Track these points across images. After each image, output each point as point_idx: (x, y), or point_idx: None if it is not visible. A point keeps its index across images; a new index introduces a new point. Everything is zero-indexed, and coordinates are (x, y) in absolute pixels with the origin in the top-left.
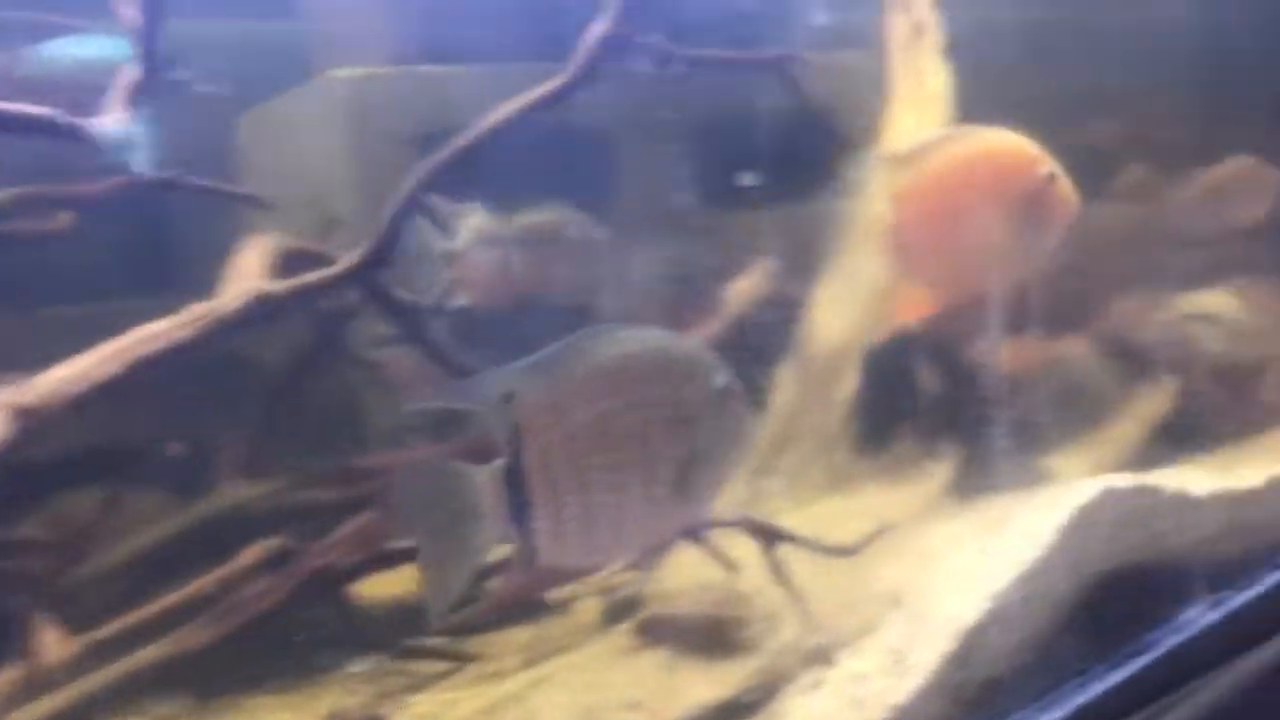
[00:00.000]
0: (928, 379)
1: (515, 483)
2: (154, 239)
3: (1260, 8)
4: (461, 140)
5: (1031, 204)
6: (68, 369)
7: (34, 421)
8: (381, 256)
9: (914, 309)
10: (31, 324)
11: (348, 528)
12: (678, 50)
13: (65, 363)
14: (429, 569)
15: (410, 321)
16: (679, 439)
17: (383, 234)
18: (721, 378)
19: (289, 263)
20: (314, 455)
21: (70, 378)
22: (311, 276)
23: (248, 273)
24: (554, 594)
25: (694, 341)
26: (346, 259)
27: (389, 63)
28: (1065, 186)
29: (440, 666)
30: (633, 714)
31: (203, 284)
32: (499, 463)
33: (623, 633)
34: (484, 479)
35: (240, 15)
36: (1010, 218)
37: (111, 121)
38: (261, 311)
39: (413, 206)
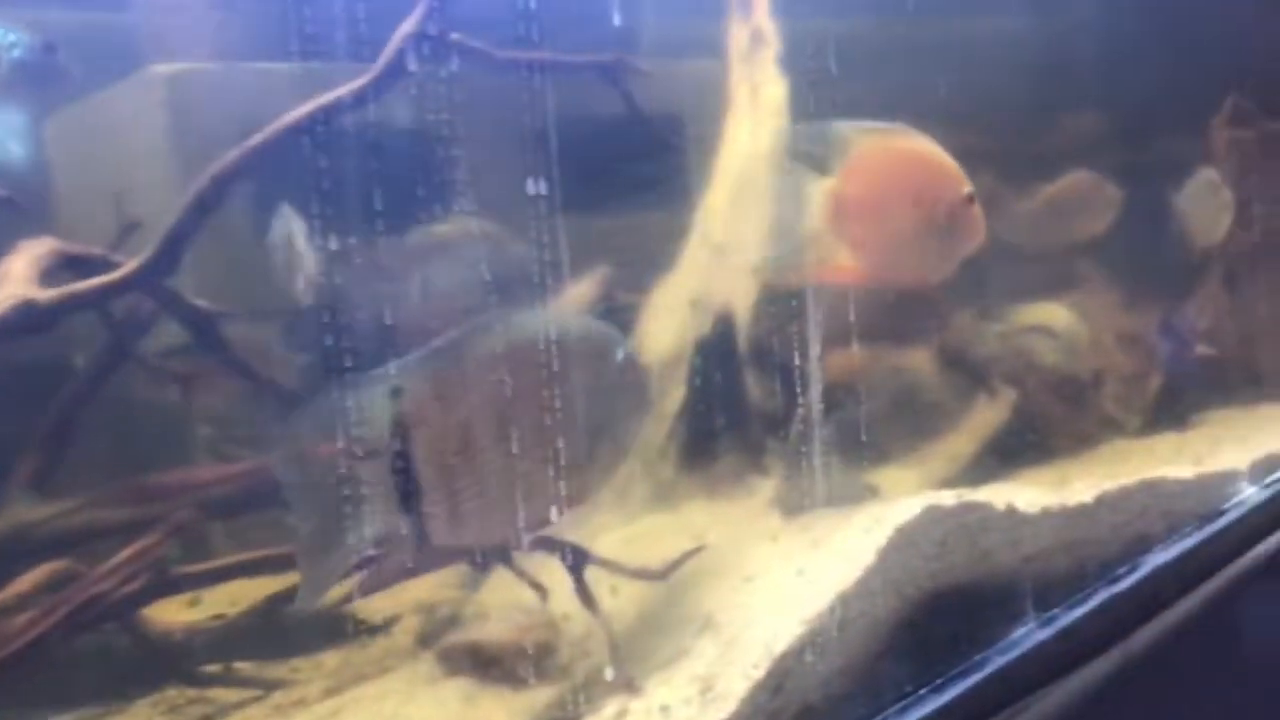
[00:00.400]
0: (756, 391)
1: (402, 473)
2: None
3: (1098, 22)
4: (254, 140)
5: (951, 218)
6: None
7: None
8: (167, 262)
9: (842, 273)
10: None
11: (130, 550)
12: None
13: None
14: (305, 557)
15: (205, 330)
16: (578, 415)
17: (165, 238)
18: (620, 351)
19: (72, 268)
20: (110, 472)
21: None
22: (85, 283)
23: (14, 279)
24: (373, 614)
25: (591, 317)
26: (128, 264)
27: (215, 58)
28: (979, 213)
29: (243, 694)
30: None
31: None
32: (383, 456)
33: (430, 658)
34: (367, 472)
35: (63, 6)
36: (930, 224)
37: None
38: (26, 320)
39: (201, 210)
